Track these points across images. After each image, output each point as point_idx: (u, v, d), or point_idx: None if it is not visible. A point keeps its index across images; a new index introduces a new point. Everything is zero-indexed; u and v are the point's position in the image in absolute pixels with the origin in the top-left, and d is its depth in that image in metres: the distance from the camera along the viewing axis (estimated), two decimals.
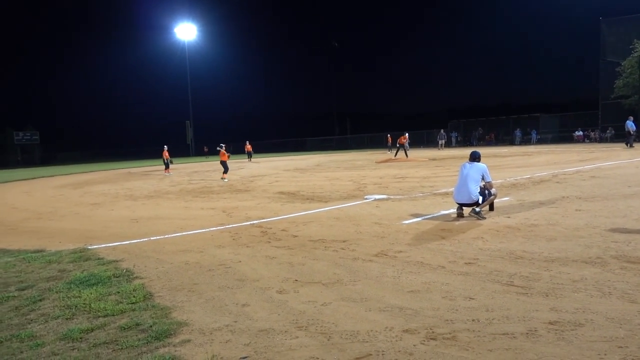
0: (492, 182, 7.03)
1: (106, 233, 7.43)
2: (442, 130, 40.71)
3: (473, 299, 3.53)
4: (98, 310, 3.67)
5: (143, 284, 4.39)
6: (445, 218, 6.94)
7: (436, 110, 65.50)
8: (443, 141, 39.41)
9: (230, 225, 7.39)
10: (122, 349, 2.95)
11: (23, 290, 4.40)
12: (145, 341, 3.04)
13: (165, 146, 24.48)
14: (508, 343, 2.75)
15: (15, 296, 4.22)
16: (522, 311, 3.22)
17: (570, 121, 39.02)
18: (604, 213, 6.52)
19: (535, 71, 69.27)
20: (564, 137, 38.63)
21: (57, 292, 4.23)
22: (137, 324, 3.34)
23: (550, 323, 2.99)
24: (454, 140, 45.60)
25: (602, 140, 34.44)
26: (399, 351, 2.73)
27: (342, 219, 7.37)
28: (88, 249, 6.15)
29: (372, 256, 4.96)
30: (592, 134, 36.90)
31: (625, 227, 5.58)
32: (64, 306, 3.84)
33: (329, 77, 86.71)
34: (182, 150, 53.98)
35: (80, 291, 4.20)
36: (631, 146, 22.65)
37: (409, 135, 28.52)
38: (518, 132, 41.11)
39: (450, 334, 2.93)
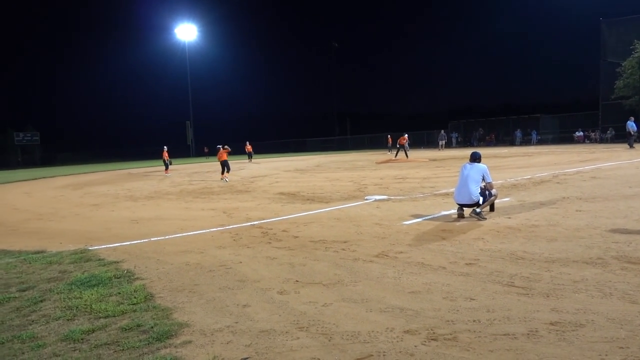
0: (493, 182, 7.03)
1: (107, 234, 7.43)
2: (442, 131, 40.75)
3: (474, 299, 3.53)
4: (99, 311, 3.67)
5: (144, 284, 4.39)
6: (446, 219, 6.95)
7: (436, 110, 65.74)
8: (443, 142, 39.43)
9: (231, 226, 7.39)
10: (123, 350, 2.95)
11: (24, 291, 4.40)
12: (147, 342, 3.04)
13: (165, 147, 24.45)
14: (509, 344, 2.76)
15: (16, 297, 4.22)
16: (523, 312, 3.22)
17: (570, 122, 39.00)
18: (605, 214, 6.53)
19: (536, 71, 69.48)
20: (564, 137, 38.68)
21: (58, 293, 4.23)
22: (138, 325, 3.34)
23: (551, 324, 3.00)
24: (454, 140, 45.64)
25: (602, 140, 34.47)
26: (400, 352, 2.73)
27: (342, 220, 7.37)
28: (89, 249, 6.14)
29: (373, 257, 4.96)
30: (593, 134, 36.94)
31: (626, 228, 5.58)
32: (65, 307, 3.84)
33: (329, 77, 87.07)
34: (183, 150, 54.00)
35: (81, 292, 4.20)
36: (632, 147, 22.63)
37: (408, 136, 28.58)
38: (518, 133, 41.15)
39: (451, 334, 2.93)
